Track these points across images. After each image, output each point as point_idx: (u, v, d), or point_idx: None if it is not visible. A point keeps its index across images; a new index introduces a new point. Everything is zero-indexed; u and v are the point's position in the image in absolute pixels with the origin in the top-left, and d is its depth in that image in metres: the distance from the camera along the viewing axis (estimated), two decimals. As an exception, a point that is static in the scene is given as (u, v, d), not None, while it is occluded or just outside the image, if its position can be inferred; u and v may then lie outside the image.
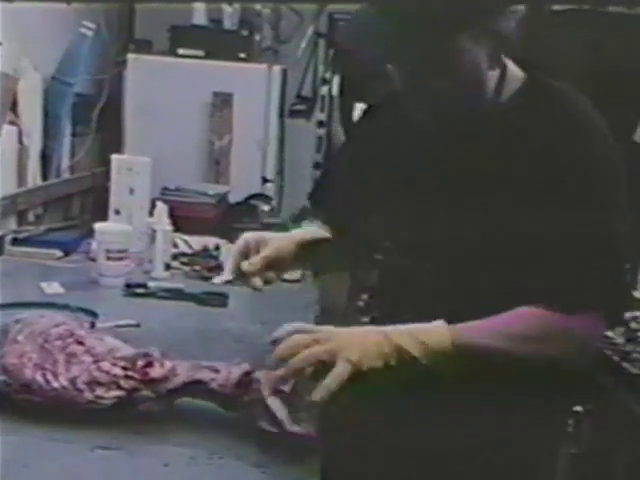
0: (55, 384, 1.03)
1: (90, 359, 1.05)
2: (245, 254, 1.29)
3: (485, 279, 1.08)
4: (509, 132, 1.11)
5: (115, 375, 1.04)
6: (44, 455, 0.97)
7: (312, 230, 1.35)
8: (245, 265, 1.26)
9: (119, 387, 1.03)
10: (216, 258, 2.02)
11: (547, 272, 1.05)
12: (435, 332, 1.03)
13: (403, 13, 1.03)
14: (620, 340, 2.19)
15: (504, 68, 1.14)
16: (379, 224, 1.20)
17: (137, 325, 1.49)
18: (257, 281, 1.28)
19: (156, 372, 1.05)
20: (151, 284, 1.78)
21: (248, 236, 1.30)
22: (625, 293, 1.15)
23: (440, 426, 1.09)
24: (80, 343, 1.07)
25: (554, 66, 2.86)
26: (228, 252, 1.38)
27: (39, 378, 1.03)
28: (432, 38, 1.02)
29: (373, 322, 1.18)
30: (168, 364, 1.08)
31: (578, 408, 1.97)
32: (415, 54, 1.05)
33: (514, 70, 1.15)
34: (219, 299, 1.72)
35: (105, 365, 1.05)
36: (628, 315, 2.27)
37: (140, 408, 1.05)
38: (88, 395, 1.02)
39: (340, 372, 0.98)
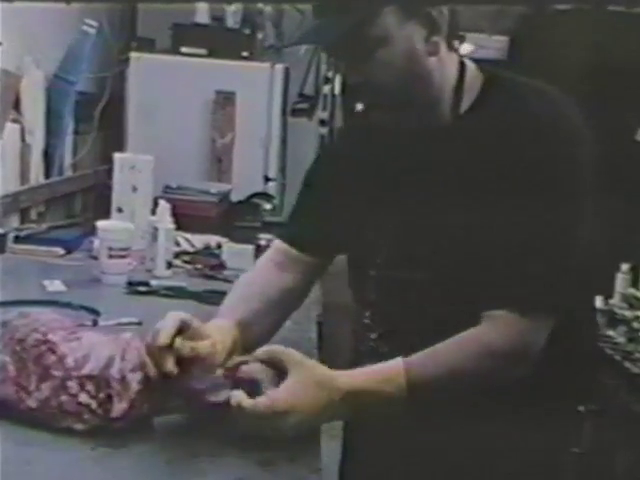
0: (29, 402, 1.02)
1: (60, 374, 1.03)
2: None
3: (471, 285, 1.07)
4: (474, 136, 1.10)
5: (81, 404, 1.02)
6: (46, 453, 0.98)
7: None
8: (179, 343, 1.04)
9: (84, 421, 1.02)
10: (218, 256, 2.02)
11: (506, 276, 1.06)
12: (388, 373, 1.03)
13: (328, 7, 1.06)
14: (622, 340, 2.19)
15: (462, 67, 1.13)
16: (367, 240, 1.19)
17: (139, 323, 1.49)
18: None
19: (116, 410, 1.02)
20: (153, 282, 1.79)
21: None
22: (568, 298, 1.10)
23: (448, 437, 1.09)
24: (53, 351, 1.04)
25: (556, 65, 2.86)
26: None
27: (13, 395, 1.03)
28: (352, 18, 1.03)
29: (381, 338, 1.18)
30: (132, 390, 1.03)
31: (580, 408, 1.97)
32: (333, 37, 1.06)
33: (472, 69, 1.14)
34: (221, 297, 1.71)
35: (72, 387, 1.02)
36: (630, 315, 2.27)
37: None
38: (59, 421, 1.02)
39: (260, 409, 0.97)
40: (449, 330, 1.06)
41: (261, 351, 1.06)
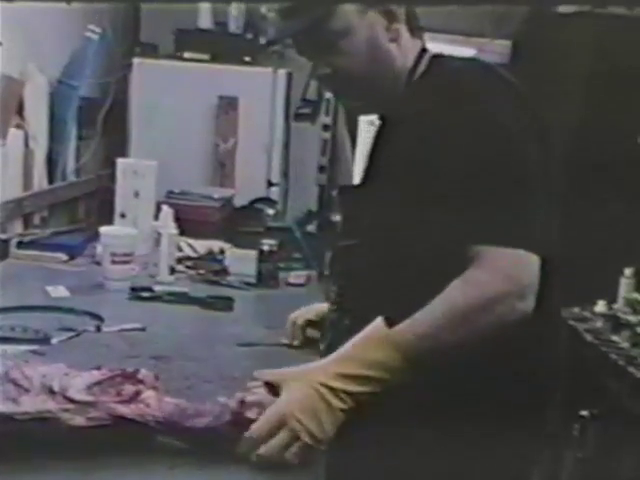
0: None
1: None
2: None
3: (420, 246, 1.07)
4: (413, 116, 1.13)
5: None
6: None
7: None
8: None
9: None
10: (221, 262, 2.03)
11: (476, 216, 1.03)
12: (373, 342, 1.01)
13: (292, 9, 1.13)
14: (626, 345, 2.18)
15: (420, 55, 1.18)
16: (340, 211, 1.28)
17: (142, 329, 1.49)
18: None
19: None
20: (156, 288, 1.79)
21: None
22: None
23: (443, 438, 1.08)
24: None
25: (559, 69, 2.85)
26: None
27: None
28: (312, 12, 1.11)
29: (340, 311, 1.22)
30: None
31: (584, 412, 1.97)
32: (298, 26, 1.12)
33: (430, 55, 1.19)
34: (224, 303, 1.72)
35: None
36: (634, 319, 2.27)
37: None
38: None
39: (279, 442, 0.98)
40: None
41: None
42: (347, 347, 1.03)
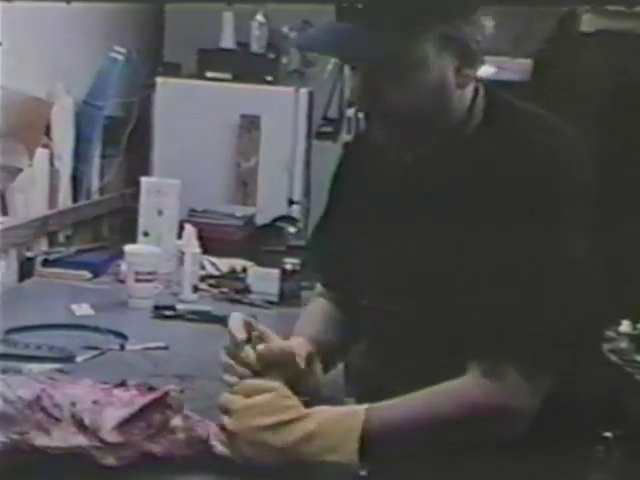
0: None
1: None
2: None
3: (455, 325, 1.03)
4: (473, 163, 1.06)
5: None
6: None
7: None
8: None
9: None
10: (243, 280, 2.03)
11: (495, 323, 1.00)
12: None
13: (366, 16, 0.99)
14: (649, 364, 2.16)
15: (476, 92, 1.10)
16: (361, 269, 1.18)
17: (166, 347, 1.50)
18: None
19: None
20: (179, 306, 1.80)
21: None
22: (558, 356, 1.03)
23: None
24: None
25: (579, 88, 2.84)
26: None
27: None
28: (389, 36, 0.98)
29: (377, 367, 1.17)
30: None
31: (608, 434, 1.95)
32: (374, 55, 1.00)
33: (482, 93, 1.11)
34: (246, 321, 1.73)
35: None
36: (658, 339, 2.24)
37: None
38: None
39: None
40: (432, 369, 1.02)
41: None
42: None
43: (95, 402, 1.01)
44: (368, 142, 1.14)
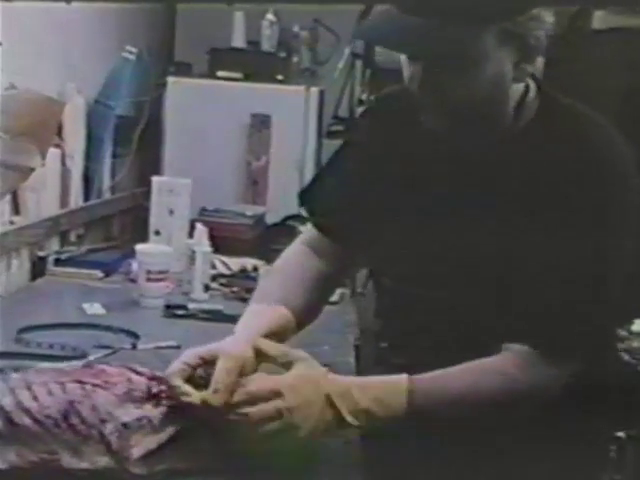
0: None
1: None
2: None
3: (489, 312, 1.05)
4: (525, 159, 1.08)
5: None
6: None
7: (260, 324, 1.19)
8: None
9: None
10: (254, 279, 2.03)
11: (538, 311, 1.03)
12: (392, 391, 1.01)
13: (429, 7, 0.99)
14: (663, 364, 2.15)
15: (527, 87, 1.10)
16: (386, 249, 1.17)
17: (177, 347, 1.50)
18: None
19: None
20: (190, 305, 1.80)
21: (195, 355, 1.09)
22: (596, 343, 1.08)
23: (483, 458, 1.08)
24: None
25: (592, 86, 2.83)
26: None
27: None
28: (456, 31, 0.98)
29: (390, 348, 1.18)
30: None
31: (621, 434, 1.94)
32: (443, 49, 1.01)
33: (533, 89, 1.12)
34: (258, 321, 1.73)
35: None
36: (672, 339, 2.23)
37: None
38: None
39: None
40: (460, 353, 1.04)
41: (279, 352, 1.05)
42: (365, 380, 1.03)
43: (116, 395, 0.98)
44: (413, 126, 1.11)
